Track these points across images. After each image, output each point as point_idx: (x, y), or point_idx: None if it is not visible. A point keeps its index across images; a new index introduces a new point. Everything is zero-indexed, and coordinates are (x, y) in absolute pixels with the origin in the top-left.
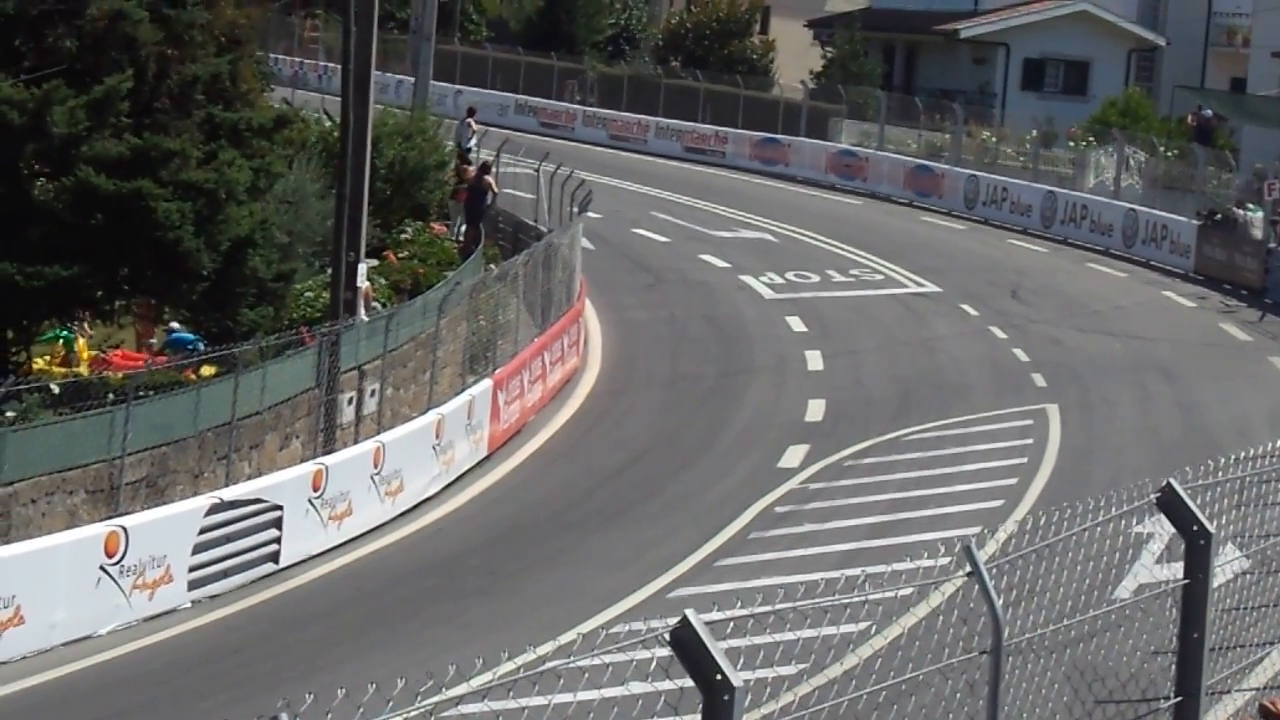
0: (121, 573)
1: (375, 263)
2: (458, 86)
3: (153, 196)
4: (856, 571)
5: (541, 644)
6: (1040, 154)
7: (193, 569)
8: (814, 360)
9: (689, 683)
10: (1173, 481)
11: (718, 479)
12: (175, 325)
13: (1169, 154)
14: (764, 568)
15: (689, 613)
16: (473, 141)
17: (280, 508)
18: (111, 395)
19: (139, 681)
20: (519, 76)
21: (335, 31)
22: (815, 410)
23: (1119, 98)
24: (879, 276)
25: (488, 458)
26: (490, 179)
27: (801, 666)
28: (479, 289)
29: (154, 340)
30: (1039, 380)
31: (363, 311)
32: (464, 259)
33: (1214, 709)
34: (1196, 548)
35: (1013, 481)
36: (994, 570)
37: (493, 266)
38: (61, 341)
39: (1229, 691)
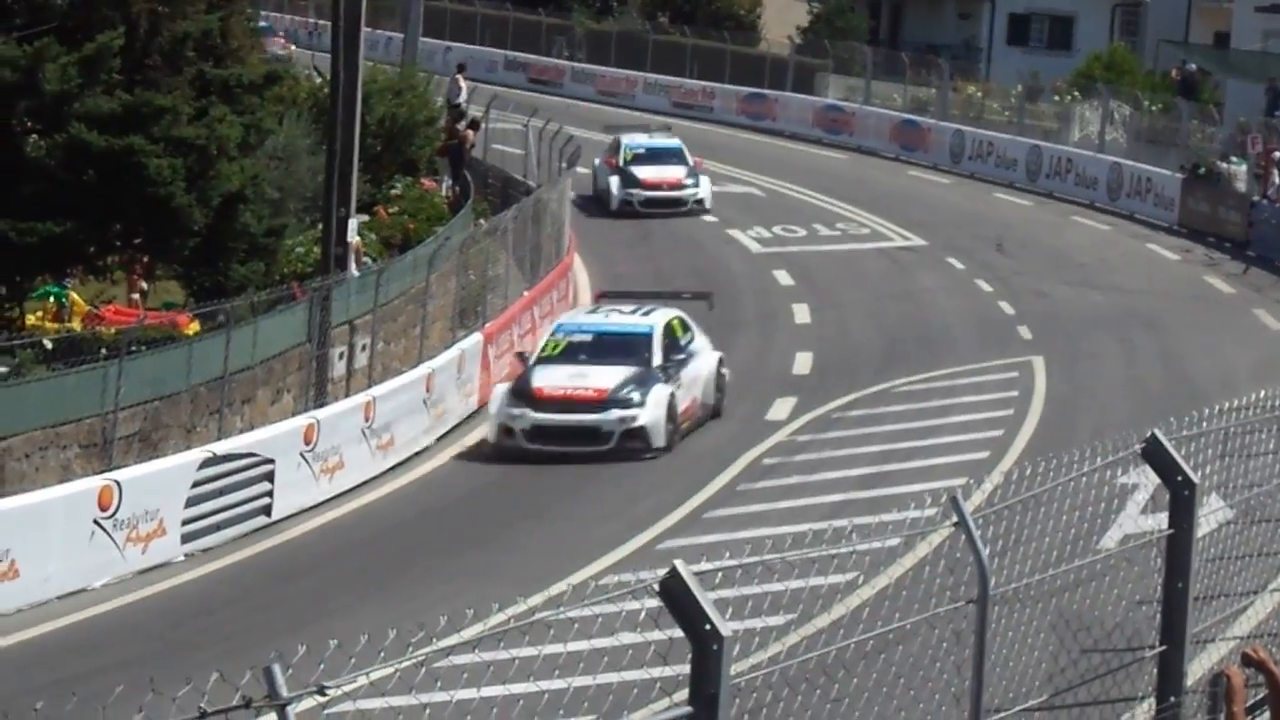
0: (115, 526)
1: (366, 218)
2: (447, 43)
3: (144, 153)
4: (844, 523)
5: (531, 595)
6: (1025, 108)
7: (186, 522)
8: (801, 313)
9: (678, 633)
10: (1157, 432)
11: (706, 431)
12: None
13: (1153, 108)
14: (752, 519)
15: (678, 564)
16: (462, 97)
17: (272, 461)
18: (104, 350)
19: (132, 634)
20: (508, 33)
21: None
22: (803, 363)
23: (1103, 52)
24: (865, 230)
25: (478, 411)
26: (469, 131)
27: (790, 617)
28: (469, 244)
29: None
30: (1024, 332)
31: (353, 267)
32: (454, 214)
33: (1198, 658)
34: (1181, 498)
35: (999, 433)
36: (980, 521)
37: (482, 221)
38: (53, 298)
39: (1213, 640)
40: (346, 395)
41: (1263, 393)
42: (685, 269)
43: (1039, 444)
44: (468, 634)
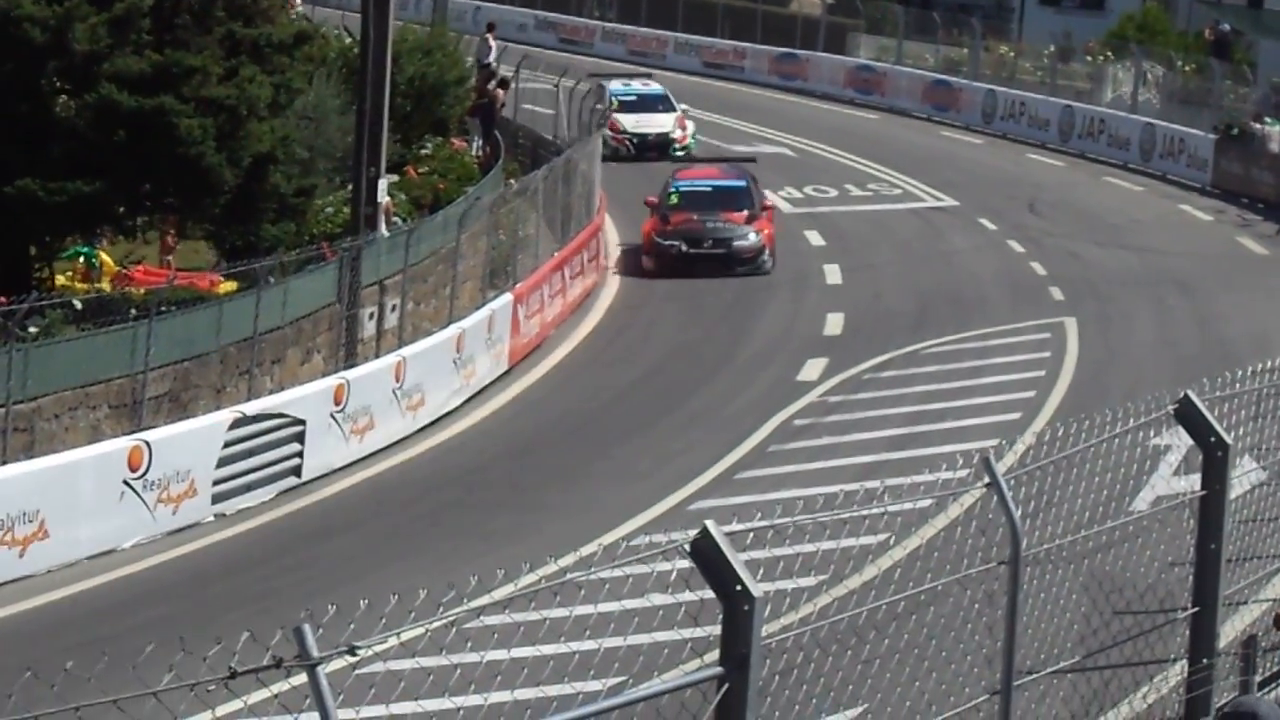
0: (145, 487)
1: (396, 178)
2: (477, 3)
3: (174, 113)
4: (875, 483)
5: (562, 556)
6: (1058, 69)
7: (216, 483)
8: (833, 274)
9: (709, 594)
10: (1190, 393)
11: (737, 392)
12: None
13: (1186, 68)
14: (783, 480)
15: (709, 524)
16: (492, 57)
17: (302, 422)
18: (134, 311)
19: (162, 595)
20: None
21: None
22: (834, 324)
23: (1136, 12)
24: (897, 191)
25: (508, 372)
26: (499, 91)
27: (821, 578)
28: (499, 204)
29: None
30: (1056, 293)
31: (383, 227)
32: (484, 174)
33: (1231, 619)
34: (1214, 459)
35: (1031, 394)
36: (1012, 482)
37: (512, 181)
38: (83, 258)
39: (1245, 602)
40: (376, 356)
41: None
42: None
43: (1071, 405)
44: (498, 594)
